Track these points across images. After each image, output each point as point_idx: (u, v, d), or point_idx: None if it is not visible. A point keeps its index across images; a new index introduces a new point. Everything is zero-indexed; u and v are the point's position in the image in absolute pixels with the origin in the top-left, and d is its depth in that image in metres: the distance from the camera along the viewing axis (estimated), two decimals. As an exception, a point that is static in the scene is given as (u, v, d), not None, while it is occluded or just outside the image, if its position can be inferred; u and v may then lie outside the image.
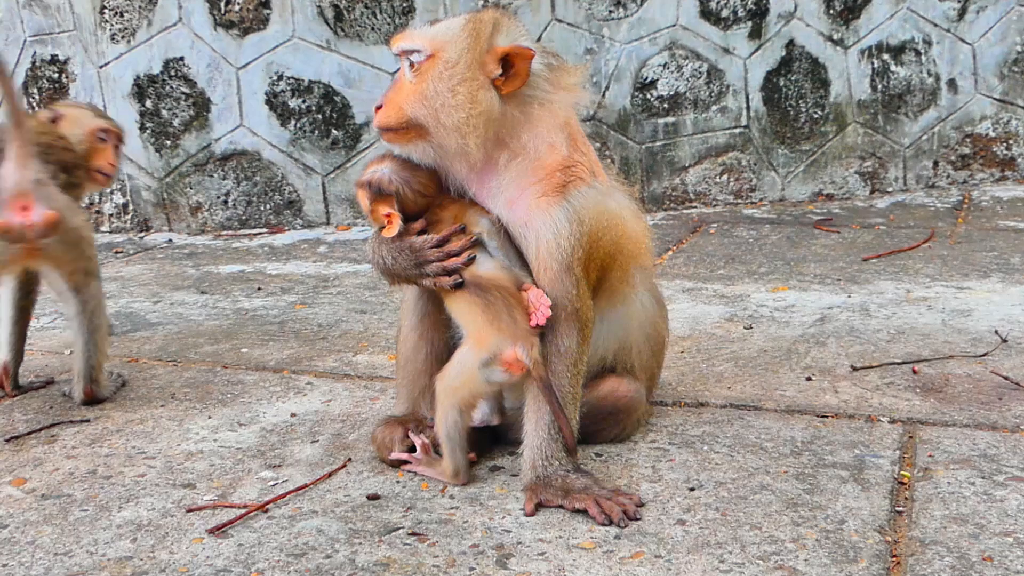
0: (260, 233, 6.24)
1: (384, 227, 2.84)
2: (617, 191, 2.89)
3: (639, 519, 2.56)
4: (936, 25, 6.63)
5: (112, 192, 6.43)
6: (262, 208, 6.33)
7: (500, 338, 2.66)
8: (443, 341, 2.89)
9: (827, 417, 3.17)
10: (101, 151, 3.90)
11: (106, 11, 6.25)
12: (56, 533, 2.61)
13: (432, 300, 2.91)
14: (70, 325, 3.51)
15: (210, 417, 3.37)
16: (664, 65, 6.32)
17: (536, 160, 2.74)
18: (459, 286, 2.71)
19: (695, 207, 6.44)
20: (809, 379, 3.49)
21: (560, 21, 6.18)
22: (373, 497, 2.74)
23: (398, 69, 2.86)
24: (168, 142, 6.30)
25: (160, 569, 2.42)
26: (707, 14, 6.34)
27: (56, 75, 6.52)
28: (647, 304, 3.02)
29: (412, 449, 2.88)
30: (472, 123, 2.65)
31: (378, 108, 2.77)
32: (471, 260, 2.72)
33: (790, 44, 6.45)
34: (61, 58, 6.50)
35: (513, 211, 2.75)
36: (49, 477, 2.95)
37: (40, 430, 3.30)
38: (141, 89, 6.28)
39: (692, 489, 2.72)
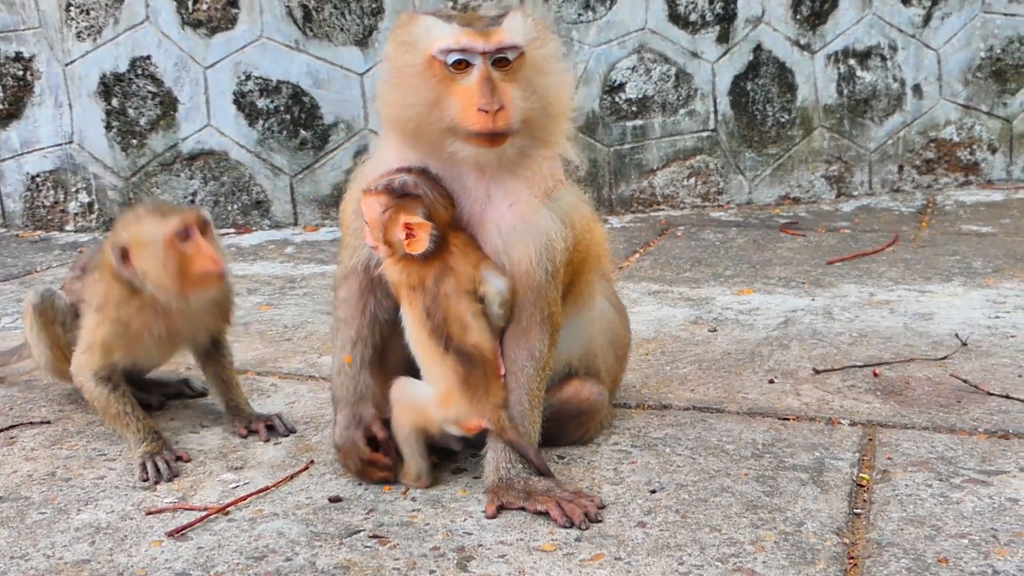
0: (227, 233, 6.20)
1: (406, 241, 2.64)
2: (581, 194, 2.92)
3: (600, 521, 2.57)
4: (901, 31, 6.69)
5: (77, 191, 6.37)
6: (229, 208, 6.29)
7: (472, 408, 2.67)
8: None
9: (788, 420, 3.19)
10: (193, 253, 3.01)
11: (72, 8, 6.20)
12: (12, 536, 2.59)
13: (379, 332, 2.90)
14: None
15: (172, 419, 3.35)
16: (633, 68, 6.34)
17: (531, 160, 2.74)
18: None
19: (663, 210, 6.47)
20: (772, 382, 3.51)
21: (529, 23, 6.18)
22: (335, 499, 2.74)
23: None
24: (134, 141, 6.25)
25: (118, 572, 2.40)
26: (675, 18, 6.36)
27: (21, 72, 6.46)
28: (606, 310, 3.05)
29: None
30: None
31: None
32: None
33: (757, 49, 6.49)
34: (26, 55, 6.44)
35: (501, 213, 2.71)
36: (7, 479, 2.93)
37: (-1, 432, 3.27)
38: (107, 88, 6.23)
39: (653, 491, 2.73)
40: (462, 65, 2.58)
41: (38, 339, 3.31)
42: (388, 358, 2.88)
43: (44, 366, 3.40)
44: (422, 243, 2.64)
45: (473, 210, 2.73)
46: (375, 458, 2.82)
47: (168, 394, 3.53)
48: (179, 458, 3.02)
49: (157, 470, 2.92)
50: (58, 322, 3.25)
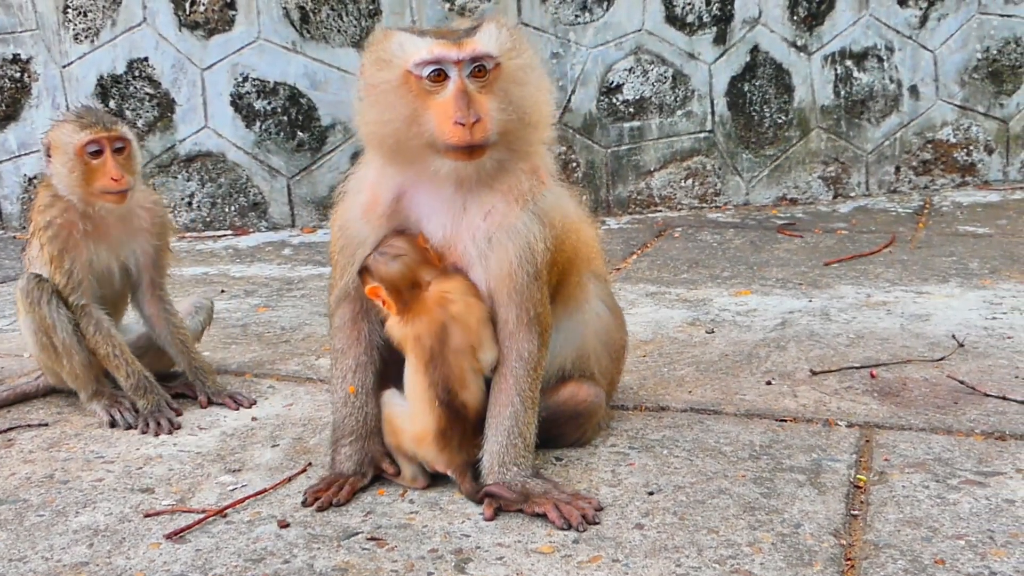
0: (224, 235, 6.21)
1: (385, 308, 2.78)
2: (570, 195, 2.92)
3: (598, 523, 2.58)
4: (898, 32, 6.71)
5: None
6: (227, 210, 6.29)
7: (439, 456, 2.72)
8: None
9: (786, 421, 3.20)
10: (98, 168, 3.21)
11: (69, 10, 6.20)
12: (11, 539, 2.59)
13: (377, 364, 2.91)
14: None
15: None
16: (630, 70, 6.35)
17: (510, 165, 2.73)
18: None
19: (660, 211, 6.48)
20: (769, 383, 3.52)
21: (526, 25, 6.19)
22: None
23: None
24: (132, 143, 6.25)
25: (116, 575, 2.40)
26: (673, 19, 6.37)
27: (18, 75, 6.46)
28: (601, 313, 3.04)
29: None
30: None
31: None
32: None
33: (754, 50, 6.50)
34: (23, 57, 6.44)
35: (476, 224, 2.70)
36: (5, 482, 2.93)
37: (-3, 434, 3.27)
38: (105, 90, 6.23)
39: (651, 493, 2.73)
40: (438, 78, 2.55)
41: (26, 324, 3.37)
42: (387, 373, 2.89)
43: (35, 356, 3.47)
44: (390, 305, 2.75)
45: (448, 223, 2.72)
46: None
47: (171, 394, 3.53)
48: (174, 408, 3.37)
49: (158, 424, 3.26)
50: (44, 302, 3.30)
